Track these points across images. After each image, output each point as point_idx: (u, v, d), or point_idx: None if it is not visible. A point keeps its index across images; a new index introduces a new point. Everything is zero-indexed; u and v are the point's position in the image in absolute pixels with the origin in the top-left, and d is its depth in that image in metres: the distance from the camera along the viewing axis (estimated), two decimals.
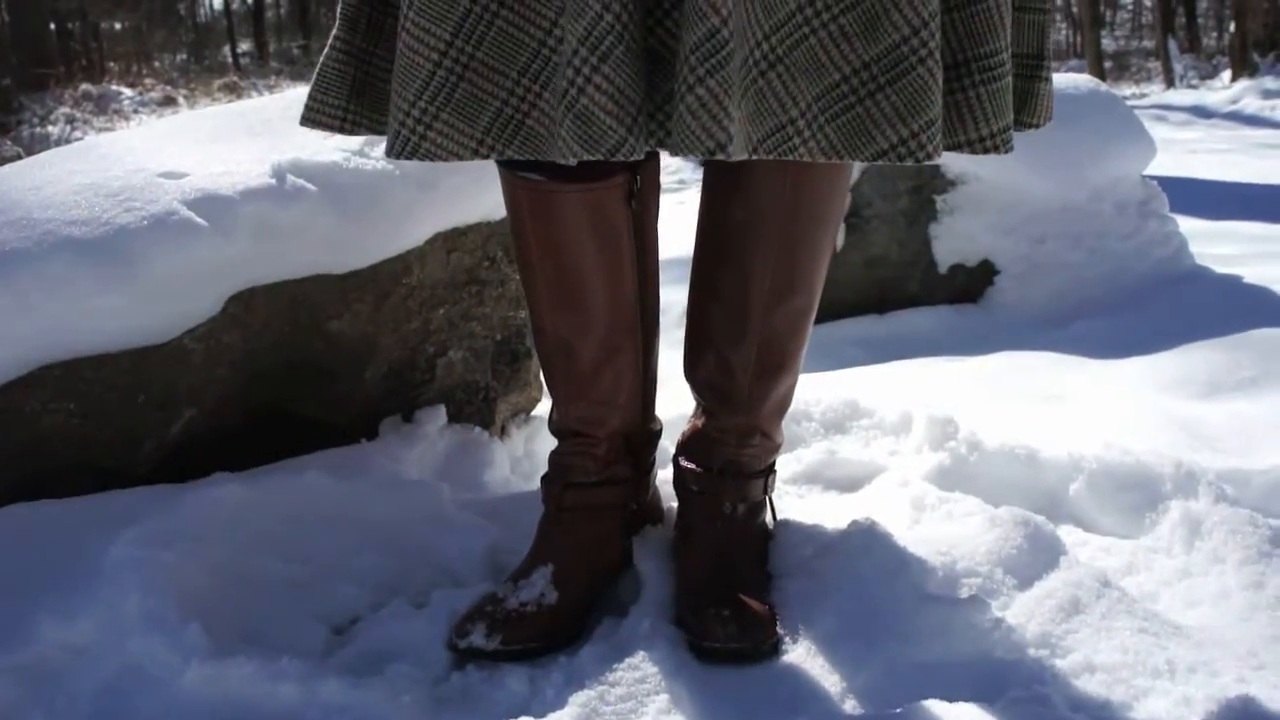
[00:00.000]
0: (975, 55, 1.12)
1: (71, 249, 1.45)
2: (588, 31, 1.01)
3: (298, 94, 1.89)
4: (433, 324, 1.76)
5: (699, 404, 1.40)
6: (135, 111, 13.74)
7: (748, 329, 1.29)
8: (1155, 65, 14.88)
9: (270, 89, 16.22)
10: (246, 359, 1.61)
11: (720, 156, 1.01)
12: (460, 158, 1.10)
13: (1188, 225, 3.38)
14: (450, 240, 1.76)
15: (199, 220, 1.51)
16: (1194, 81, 13.14)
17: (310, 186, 1.60)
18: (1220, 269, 2.78)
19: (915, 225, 2.49)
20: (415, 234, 1.70)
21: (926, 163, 1.08)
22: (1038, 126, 1.27)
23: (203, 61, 22.39)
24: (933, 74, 1.06)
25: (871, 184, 2.51)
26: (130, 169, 1.59)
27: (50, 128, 11.49)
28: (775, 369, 1.32)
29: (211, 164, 1.61)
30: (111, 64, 18.59)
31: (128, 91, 14.81)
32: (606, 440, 1.34)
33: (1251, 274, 2.75)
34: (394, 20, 1.17)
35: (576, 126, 1.02)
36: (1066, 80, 2.71)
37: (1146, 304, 2.45)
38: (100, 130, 11.68)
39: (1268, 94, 10.25)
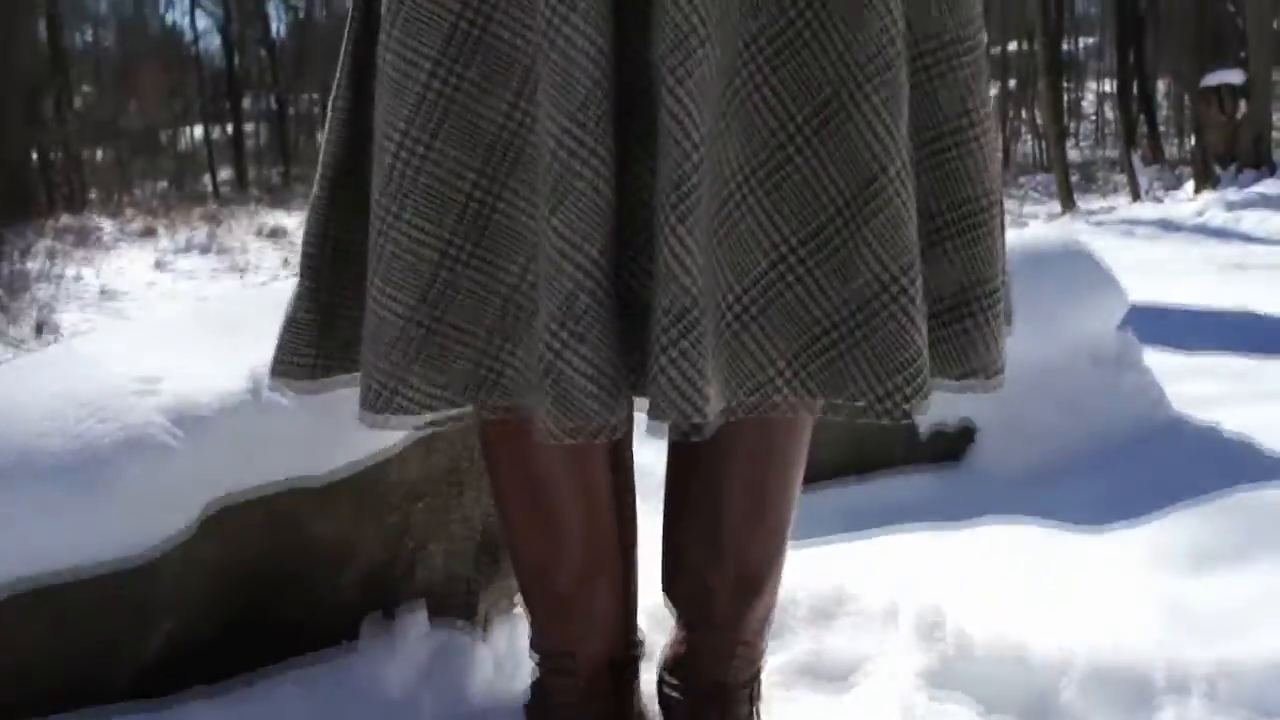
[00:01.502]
0: (978, 281, 1.13)
1: (44, 468, 1.44)
2: (563, 307, 1.00)
3: (274, 292, 1.90)
4: (413, 521, 1.74)
5: (679, 618, 1.38)
6: (116, 243, 13.84)
7: (723, 552, 1.28)
8: (1121, 177, 15.20)
9: (250, 216, 16.40)
10: (224, 569, 1.58)
11: (698, 420, 1.00)
12: (434, 410, 1.09)
13: (1165, 362, 3.42)
14: (429, 438, 1.75)
15: (175, 434, 1.50)
16: (1159, 194, 13.41)
17: (287, 392, 1.60)
18: (1200, 415, 2.79)
19: None
20: (394, 433, 1.69)
21: (905, 421, 1.08)
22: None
23: (183, 189, 22.63)
24: (909, 314, 1.06)
25: None
26: (105, 379, 1.58)
27: (30, 263, 11.54)
28: (754, 590, 1.30)
29: (187, 371, 1.61)
30: (93, 193, 18.78)
31: (108, 223, 14.93)
32: (587, 663, 1.32)
33: (1231, 420, 2.77)
34: (356, 269, 1.16)
35: (557, 409, 1.01)
36: (1038, 235, 2.75)
37: (1127, 461, 2.45)
38: (80, 263, 11.75)
39: (1231, 205, 10.47)
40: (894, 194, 1.03)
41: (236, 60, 25.58)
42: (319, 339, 1.21)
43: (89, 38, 25.87)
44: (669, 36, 0.96)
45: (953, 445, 2.52)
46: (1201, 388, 3.17)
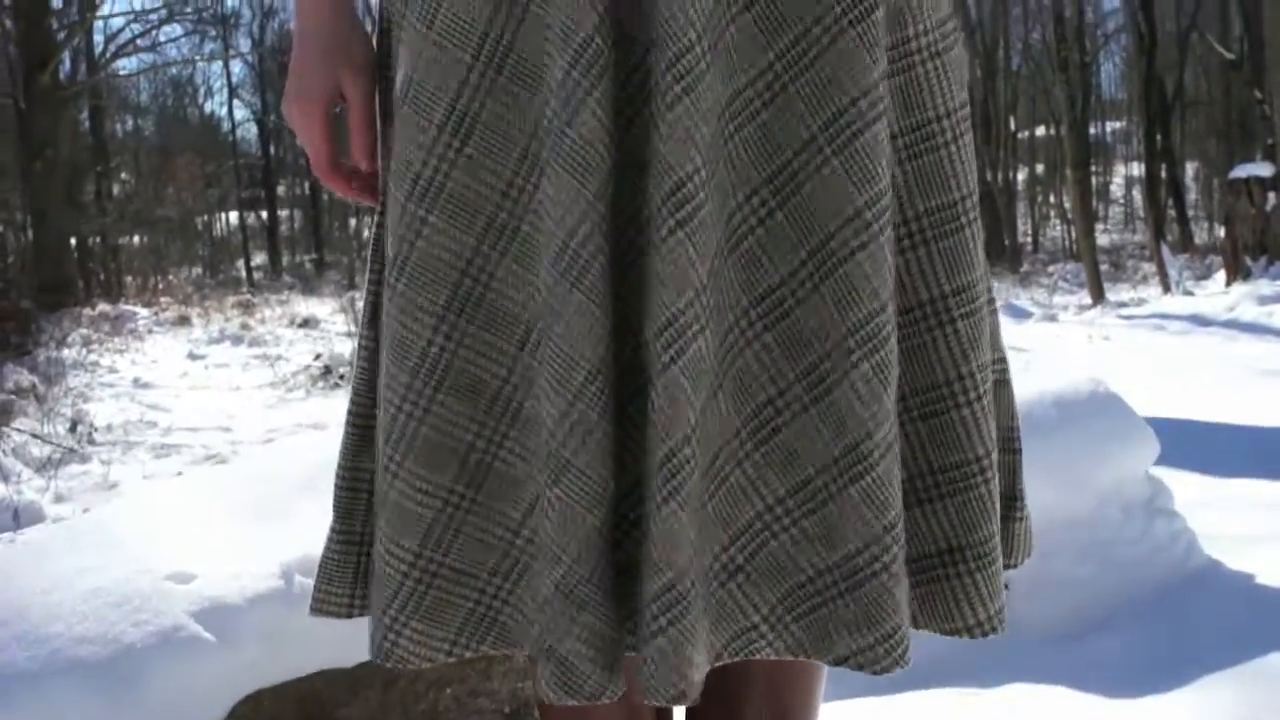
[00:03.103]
0: (969, 542, 1.12)
1: (78, 673, 1.46)
2: (564, 579, 1.01)
3: (302, 465, 1.91)
4: (440, 705, 1.75)
5: None
6: (150, 332, 14.01)
7: None
8: (1150, 265, 15.18)
9: (283, 305, 16.59)
10: None
11: (686, 703, 1.00)
12: (434, 661, 1.10)
13: (1197, 493, 3.38)
14: None
15: (206, 635, 1.51)
16: (1189, 285, 13.37)
17: None
18: (1232, 560, 2.76)
19: None
20: None
21: (889, 672, 1.06)
22: (1015, 566, 1.23)
23: (217, 275, 22.95)
24: (887, 587, 1.05)
25: None
26: (137, 569, 1.61)
27: (66, 350, 11.69)
28: None
29: (219, 562, 1.63)
30: (129, 278, 19.05)
31: (143, 311, 15.13)
32: None
33: (1265, 568, 2.73)
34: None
35: (557, 672, 1.02)
36: (1065, 382, 2.75)
37: (1159, 616, 2.42)
38: (114, 352, 11.89)
39: (1263, 299, 10.41)
40: (879, 458, 1.04)
41: (272, 149, 26.12)
42: (352, 580, 1.22)
43: (129, 127, 26.50)
44: (661, 319, 0.98)
45: None
46: (1236, 524, 3.13)
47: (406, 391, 1.06)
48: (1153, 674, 2.18)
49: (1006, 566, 1.20)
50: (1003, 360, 1.21)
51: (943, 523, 1.12)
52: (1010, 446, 1.22)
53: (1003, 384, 1.20)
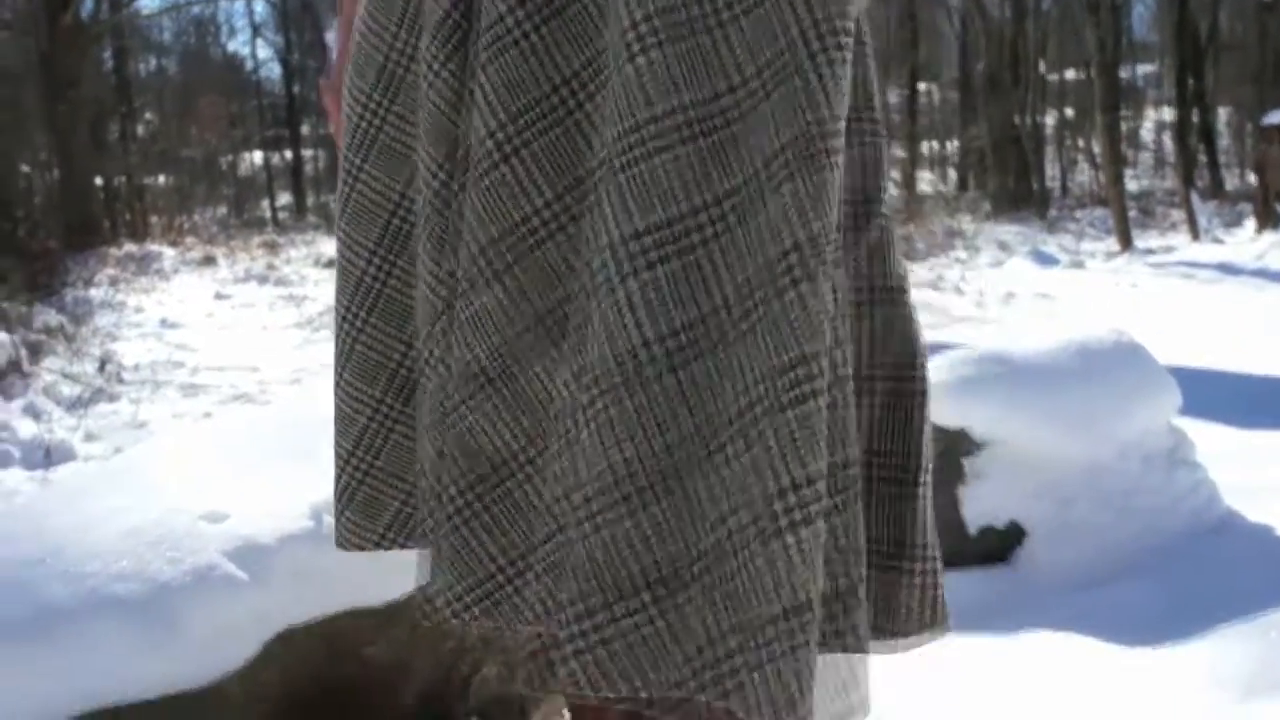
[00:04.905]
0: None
1: (116, 610, 1.49)
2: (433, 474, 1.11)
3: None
4: (467, 643, 1.78)
5: None
6: (175, 272, 14.06)
7: None
8: (1180, 212, 15.02)
9: (308, 245, 16.61)
10: (284, 694, 1.63)
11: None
12: (364, 549, 1.22)
13: (1220, 443, 3.39)
14: None
15: (240, 573, 1.55)
16: (1218, 233, 13.24)
17: None
18: (1253, 512, 2.77)
19: (942, 487, 2.51)
20: None
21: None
22: (905, 635, 1.09)
23: (242, 215, 22.98)
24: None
25: None
26: (171, 509, 1.64)
27: (93, 290, 11.76)
28: None
29: (251, 502, 1.66)
30: (154, 218, 19.10)
31: (169, 251, 15.17)
32: None
33: None
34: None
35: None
36: (1089, 332, 2.74)
37: (1179, 565, 2.44)
38: (141, 291, 11.96)
39: None
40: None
41: (296, 88, 26.01)
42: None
43: (152, 67, 26.42)
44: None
45: (1002, 546, 2.52)
46: (1258, 475, 3.14)
47: (345, 313, 1.20)
48: (1172, 623, 2.20)
49: (892, 634, 1.09)
50: (909, 374, 1.10)
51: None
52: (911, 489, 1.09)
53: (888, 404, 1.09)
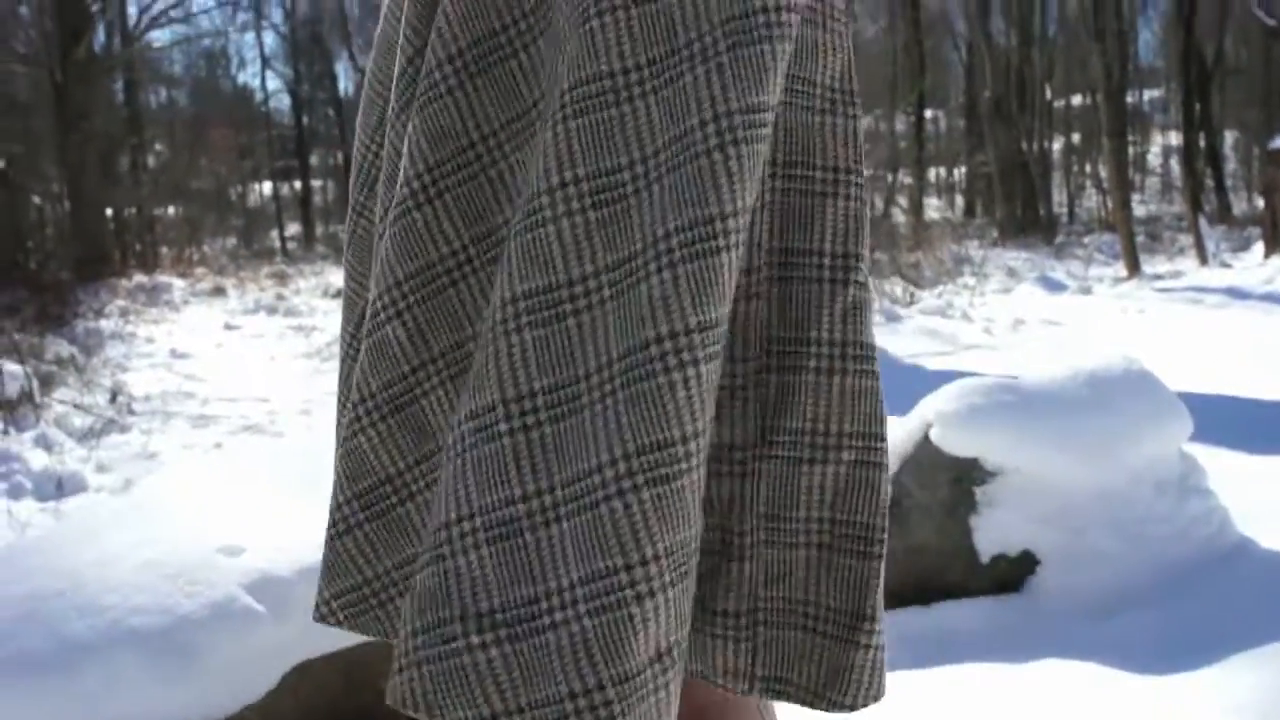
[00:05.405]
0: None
1: (136, 642, 1.51)
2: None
3: None
4: None
5: None
6: (185, 302, 14.13)
7: None
8: (1188, 236, 15.02)
9: (317, 276, 16.69)
10: None
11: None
12: (329, 624, 1.17)
13: (1231, 468, 3.39)
14: None
15: (258, 606, 1.56)
16: (1226, 257, 13.24)
17: None
18: (1265, 538, 2.77)
19: (954, 515, 2.51)
20: None
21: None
22: (851, 708, 1.05)
23: (252, 246, 23.09)
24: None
25: (909, 474, 2.55)
26: (187, 542, 1.65)
27: (104, 321, 11.82)
28: None
29: (266, 536, 1.67)
30: (164, 249, 19.20)
31: (179, 282, 15.25)
32: None
33: None
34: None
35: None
36: (1099, 360, 2.75)
37: (1191, 593, 2.44)
38: (151, 322, 12.02)
39: None
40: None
41: (305, 119, 26.21)
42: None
43: (163, 99, 26.63)
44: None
45: (1014, 574, 2.52)
46: (1270, 501, 3.14)
47: (350, 340, 1.22)
48: (1184, 651, 2.20)
49: (841, 706, 1.06)
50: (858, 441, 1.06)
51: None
52: (865, 548, 1.06)
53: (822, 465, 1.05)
